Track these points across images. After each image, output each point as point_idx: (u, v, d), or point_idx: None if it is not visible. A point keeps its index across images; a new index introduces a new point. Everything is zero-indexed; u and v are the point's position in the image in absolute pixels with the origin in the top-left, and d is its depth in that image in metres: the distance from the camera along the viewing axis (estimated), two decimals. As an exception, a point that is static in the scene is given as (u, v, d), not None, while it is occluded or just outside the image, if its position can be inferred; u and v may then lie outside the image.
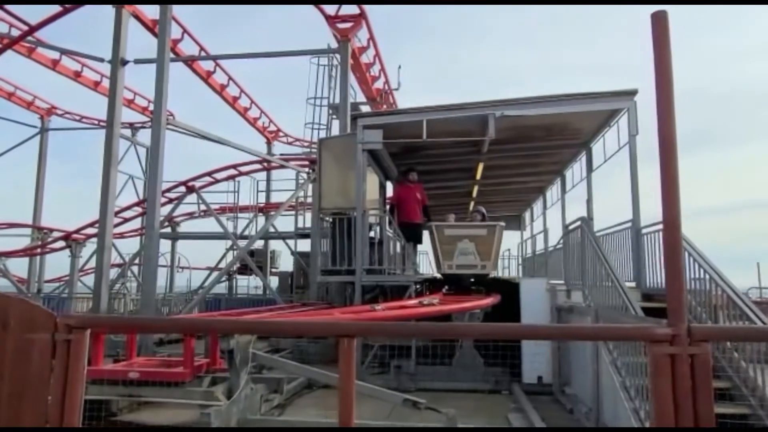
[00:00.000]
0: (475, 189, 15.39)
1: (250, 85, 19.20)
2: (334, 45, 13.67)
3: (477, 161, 12.35)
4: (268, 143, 22.66)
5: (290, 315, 6.88)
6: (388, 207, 11.61)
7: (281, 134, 23.20)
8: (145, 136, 24.43)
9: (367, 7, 12.43)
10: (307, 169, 15.23)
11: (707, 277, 5.41)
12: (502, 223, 10.47)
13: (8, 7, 11.44)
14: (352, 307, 7.71)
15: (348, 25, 12.54)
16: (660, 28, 1.86)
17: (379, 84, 16.42)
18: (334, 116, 17.05)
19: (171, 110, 23.91)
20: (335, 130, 17.40)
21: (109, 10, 12.69)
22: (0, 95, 22.07)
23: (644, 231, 7.73)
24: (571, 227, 8.28)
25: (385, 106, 17.52)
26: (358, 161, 9.15)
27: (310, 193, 15.53)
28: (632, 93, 8.72)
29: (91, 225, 16.18)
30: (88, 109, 27.41)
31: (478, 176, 13.52)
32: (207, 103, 27.47)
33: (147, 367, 6.01)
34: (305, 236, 16.93)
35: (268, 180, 21.31)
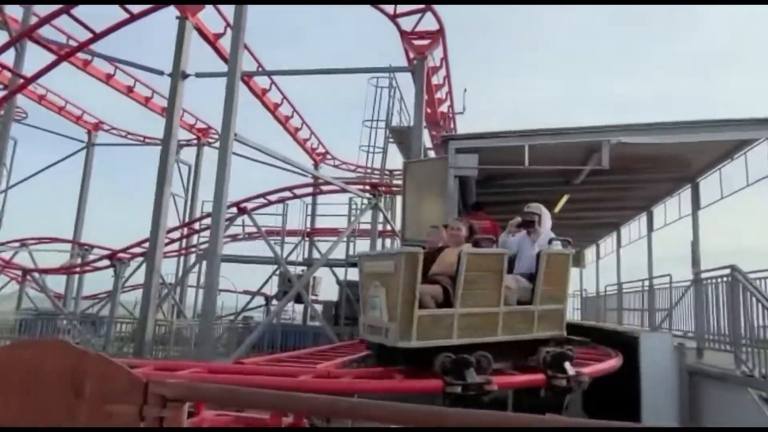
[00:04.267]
0: (547, 223, 14.19)
1: (301, 105, 18.45)
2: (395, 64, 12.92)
3: (561, 193, 11.24)
4: (315, 165, 21.90)
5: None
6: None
7: (329, 156, 22.47)
8: (187, 154, 24.12)
9: (445, 23, 11.56)
10: (368, 195, 14.29)
11: None
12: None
13: (74, 11, 10.86)
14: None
15: (425, 42, 11.70)
16: None
17: (443, 107, 15.53)
18: (392, 139, 16.24)
19: (215, 128, 23.59)
20: (394, 154, 16.59)
21: (161, 24, 12.12)
22: (51, 108, 21.93)
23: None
24: (710, 274, 7.04)
25: (444, 132, 16.60)
26: (450, 188, 8.15)
27: (367, 219, 14.57)
28: (773, 122, 7.57)
29: (138, 245, 15.44)
30: (133, 125, 27.23)
31: (557, 209, 12.37)
32: (246, 122, 26.99)
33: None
34: (356, 265, 15.95)
35: (314, 204, 20.50)
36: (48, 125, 23.11)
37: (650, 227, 12.62)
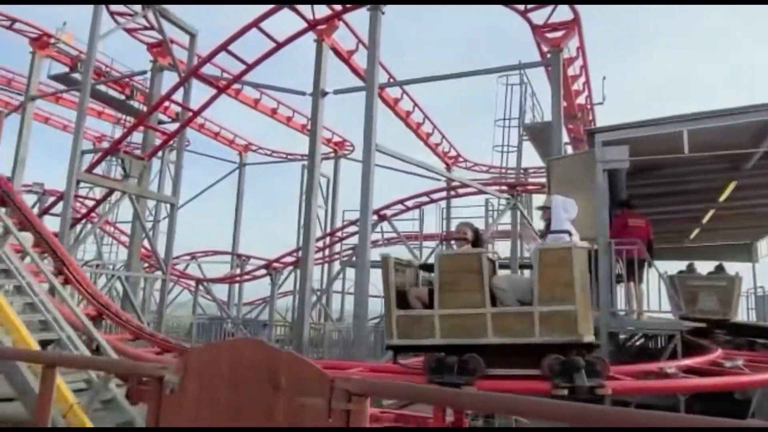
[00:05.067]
0: (709, 214, 12.87)
1: (429, 111, 18.66)
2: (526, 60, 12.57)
3: (728, 180, 10.15)
4: (448, 168, 22.01)
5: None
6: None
7: (461, 159, 22.47)
8: (325, 166, 25.57)
9: (581, 11, 11.04)
10: (506, 195, 14.06)
11: None
12: None
13: (231, 48, 12.15)
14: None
15: (559, 33, 11.28)
16: None
17: (580, 99, 14.80)
18: (526, 137, 15.81)
19: (350, 140, 24.74)
20: (529, 152, 16.14)
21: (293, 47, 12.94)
22: (208, 135, 24.63)
23: None
24: None
25: (582, 125, 15.80)
26: (598, 183, 7.76)
27: (507, 219, 14.33)
28: None
29: (290, 254, 16.70)
30: (275, 143, 29.47)
31: (722, 198, 11.18)
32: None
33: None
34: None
35: (449, 207, 20.59)
36: (204, 150, 25.93)
37: None
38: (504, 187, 14.57)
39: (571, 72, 13.11)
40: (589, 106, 15.45)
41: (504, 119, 15.93)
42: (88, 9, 12.78)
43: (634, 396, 6.08)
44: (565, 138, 15.49)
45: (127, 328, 7.91)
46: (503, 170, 16.01)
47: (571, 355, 4.66)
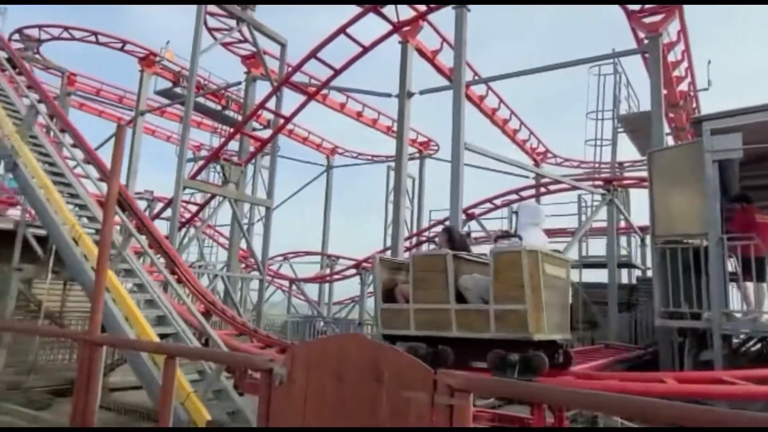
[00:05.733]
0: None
1: (514, 107, 18.22)
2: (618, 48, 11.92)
3: None
4: (537, 165, 21.40)
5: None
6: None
7: (550, 155, 21.77)
8: (410, 167, 25.73)
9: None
10: (601, 191, 13.45)
11: None
12: None
13: (320, 55, 12.60)
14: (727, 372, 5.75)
15: (658, 17, 10.62)
16: None
17: (682, 86, 13.84)
18: (621, 129, 15.03)
19: (435, 140, 24.73)
20: (625, 145, 15.34)
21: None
22: (296, 140, 25.62)
23: None
24: None
25: (686, 114, 14.76)
26: (708, 175, 7.21)
27: (602, 216, 13.70)
28: None
29: (378, 254, 16.96)
30: (360, 145, 30.09)
31: None
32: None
33: None
34: (592, 266, 15.10)
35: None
36: (291, 153, 27.04)
37: None
38: (598, 183, 13.93)
39: (671, 58, 12.30)
40: (692, 93, 14.41)
41: (597, 111, 15.32)
42: (186, 27, 13.74)
43: (754, 402, 5.63)
44: (666, 128, 14.57)
45: (232, 324, 8.41)
46: (597, 165, 15.35)
47: (529, 351, 4.91)
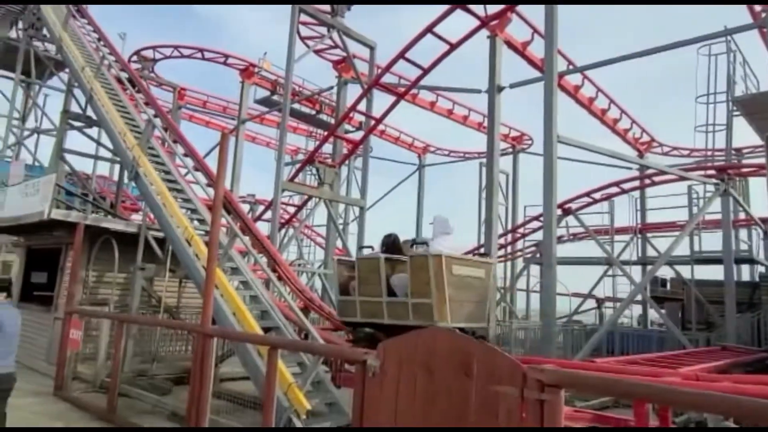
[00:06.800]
0: None
1: (614, 95, 17.21)
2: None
3: None
4: (640, 155, 20.13)
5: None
6: None
7: (655, 144, 20.38)
8: (504, 162, 25.20)
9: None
10: (714, 181, 12.42)
11: None
12: None
13: (408, 55, 12.74)
14: None
15: (777, -13, 9.64)
16: None
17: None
18: (737, 112, 13.76)
19: (528, 133, 24.04)
20: (740, 130, 14.04)
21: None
22: (388, 140, 26.00)
23: None
24: None
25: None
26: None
27: (716, 208, 12.65)
28: None
29: (471, 252, 16.80)
30: (450, 143, 29.93)
31: None
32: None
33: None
34: (706, 261, 13.97)
35: (643, 198, 18.79)
36: (383, 153, 27.46)
37: None
38: (711, 172, 12.85)
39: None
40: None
41: (708, 94, 14.15)
42: (281, 38, 14.44)
43: None
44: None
45: (330, 320, 8.75)
46: (709, 153, 14.17)
47: None
